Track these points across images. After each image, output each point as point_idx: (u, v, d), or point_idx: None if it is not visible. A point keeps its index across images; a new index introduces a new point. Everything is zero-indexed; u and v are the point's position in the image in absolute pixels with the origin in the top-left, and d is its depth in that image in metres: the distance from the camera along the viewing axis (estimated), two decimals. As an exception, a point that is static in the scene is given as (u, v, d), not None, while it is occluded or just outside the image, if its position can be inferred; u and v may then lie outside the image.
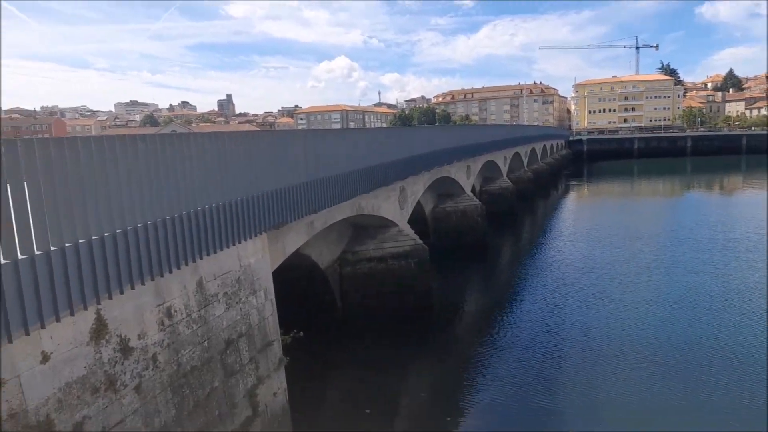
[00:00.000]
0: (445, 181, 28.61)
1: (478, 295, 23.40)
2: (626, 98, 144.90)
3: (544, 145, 74.04)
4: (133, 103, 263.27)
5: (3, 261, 4.81)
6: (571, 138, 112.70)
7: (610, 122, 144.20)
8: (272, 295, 10.16)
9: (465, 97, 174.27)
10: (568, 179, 73.68)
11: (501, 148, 42.85)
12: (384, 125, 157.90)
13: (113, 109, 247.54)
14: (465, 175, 32.18)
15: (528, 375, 14.45)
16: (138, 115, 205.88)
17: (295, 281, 16.31)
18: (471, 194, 32.63)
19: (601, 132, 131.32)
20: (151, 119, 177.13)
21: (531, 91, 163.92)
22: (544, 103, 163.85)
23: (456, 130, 39.00)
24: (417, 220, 24.12)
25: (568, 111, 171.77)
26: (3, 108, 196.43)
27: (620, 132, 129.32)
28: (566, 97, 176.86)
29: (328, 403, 13.14)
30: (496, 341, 16.96)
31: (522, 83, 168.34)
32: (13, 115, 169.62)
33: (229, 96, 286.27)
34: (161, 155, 7.17)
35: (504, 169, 44.97)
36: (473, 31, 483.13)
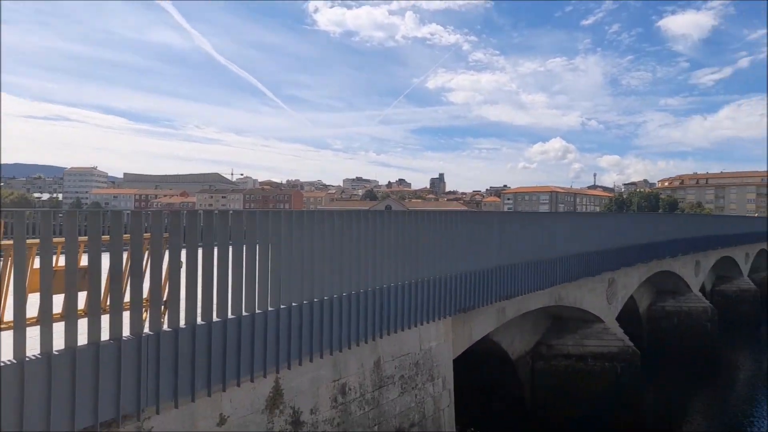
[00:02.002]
0: (667, 275, 25.03)
1: (702, 417, 19.27)
2: None
3: (804, 243, 60.94)
4: (358, 179, 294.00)
5: (199, 322, 5.23)
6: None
7: None
8: (451, 385, 9.55)
9: (697, 183, 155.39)
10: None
11: (742, 243, 36.40)
12: (597, 209, 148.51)
13: (342, 184, 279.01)
14: (692, 271, 27.82)
15: None
16: (361, 190, 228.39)
17: (480, 368, 15.40)
18: (699, 294, 27.95)
19: None
20: (370, 194, 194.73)
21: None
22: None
23: (683, 219, 34.50)
24: (628, 317, 21.30)
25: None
26: (260, 179, 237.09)
27: None
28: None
29: None
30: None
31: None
32: (265, 186, 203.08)
33: (441, 175, 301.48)
34: (354, 232, 7.40)
35: (745, 268, 37.90)
36: (711, 111, 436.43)
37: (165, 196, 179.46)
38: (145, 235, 5.01)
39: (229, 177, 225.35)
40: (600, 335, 17.65)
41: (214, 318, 5.41)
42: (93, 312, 4.33)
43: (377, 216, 8.01)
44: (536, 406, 16.52)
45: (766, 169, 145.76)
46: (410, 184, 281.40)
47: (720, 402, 21.16)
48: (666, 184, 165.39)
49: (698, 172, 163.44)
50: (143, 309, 4.78)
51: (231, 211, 5.91)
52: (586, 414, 16.06)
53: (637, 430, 16.08)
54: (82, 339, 4.30)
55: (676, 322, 26.12)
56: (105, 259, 4.51)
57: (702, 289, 30.47)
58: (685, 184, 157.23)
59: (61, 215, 5.72)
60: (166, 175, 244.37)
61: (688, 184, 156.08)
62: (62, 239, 4.37)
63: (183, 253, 5.25)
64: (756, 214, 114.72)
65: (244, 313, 5.74)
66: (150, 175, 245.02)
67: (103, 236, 4.64)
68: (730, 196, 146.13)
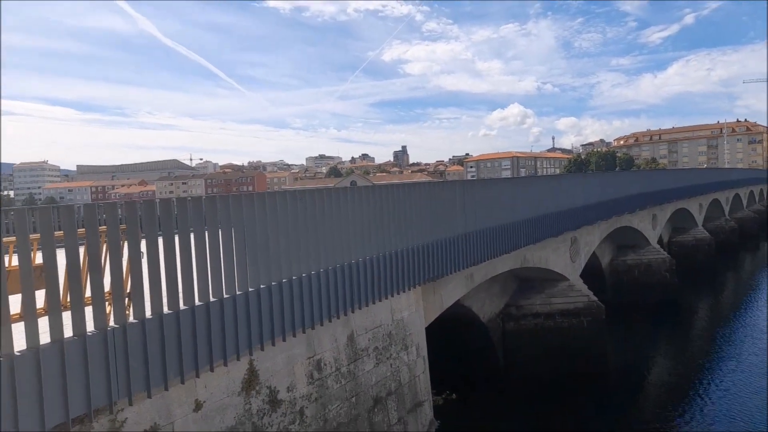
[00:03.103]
0: (626, 231, 25.89)
1: (665, 363, 20.25)
2: None
3: (752, 191, 63.91)
4: (321, 156, 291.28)
5: (166, 311, 5.17)
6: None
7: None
8: (425, 352, 9.76)
9: (651, 139, 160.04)
10: (785, 230, 62.12)
11: (695, 194, 37.85)
12: (557, 171, 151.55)
13: (305, 163, 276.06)
14: (650, 225, 28.85)
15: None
16: (324, 168, 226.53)
17: (453, 333, 15.74)
18: (657, 246, 29.08)
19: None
20: (335, 171, 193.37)
21: (733, 130, 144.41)
22: (750, 142, 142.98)
23: (639, 175, 35.56)
24: (591, 273, 22.03)
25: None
26: (220, 163, 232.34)
27: None
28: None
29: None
30: (682, 422, 14.31)
31: (722, 121, 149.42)
32: (226, 170, 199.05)
33: (404, 147, 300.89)
34: (318, 209, 7.38)
35: (699, 218, 39.50)
36: (661, 68, 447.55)
37: (123, 186, 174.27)
38: (101, 228, 4.88)
39: (188, 163, 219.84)
40: (566, 292, 18.23)
41: (182, 306, 5.36)
42: (53, 309, 4.23)
43: (342, 192, 8.00)
44: (508, 365, 17.06)
45: (715, 122, 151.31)
46: (374, 158, 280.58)
47: (682, 344, 22.27)
48: (621, 142, 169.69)
49: (651, 129, 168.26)
50: (106, 303, 4.69)
51: (189, 198, 5.80)
52: (556, 368, 16.68)
53: (605, 378, 16.82)
54: (45, 338, 4.21)
55: (636, 275, 27.19)
56: (61, 256, 4.39)
57: (660, 241, 31.71)
58: (639, 141, 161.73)
59: (12, 213, 5.48)
60: (122, 165, 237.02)
61: (643, 141, 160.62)
62: (13, 238, 4.22)
63: (143, 243, 5.15)
64: (705, 166, 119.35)
65: (212, 299, 5.70)
66: (105, 166, 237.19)
67: (57, 232, 4.51)
68: (683, 150, 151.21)
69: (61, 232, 4.49)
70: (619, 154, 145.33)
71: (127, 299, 4.90)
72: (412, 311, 9.63)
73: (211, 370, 5.61)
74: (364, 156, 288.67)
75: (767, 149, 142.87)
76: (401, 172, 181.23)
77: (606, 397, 16.11)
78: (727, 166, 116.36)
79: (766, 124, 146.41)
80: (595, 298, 18.22)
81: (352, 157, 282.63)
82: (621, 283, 26.99)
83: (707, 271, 35.35)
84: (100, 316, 4.57)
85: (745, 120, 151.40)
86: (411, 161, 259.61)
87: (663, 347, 21.95)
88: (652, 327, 23.70)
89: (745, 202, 58.56)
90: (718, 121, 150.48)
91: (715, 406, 15.24)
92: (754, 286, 32.40)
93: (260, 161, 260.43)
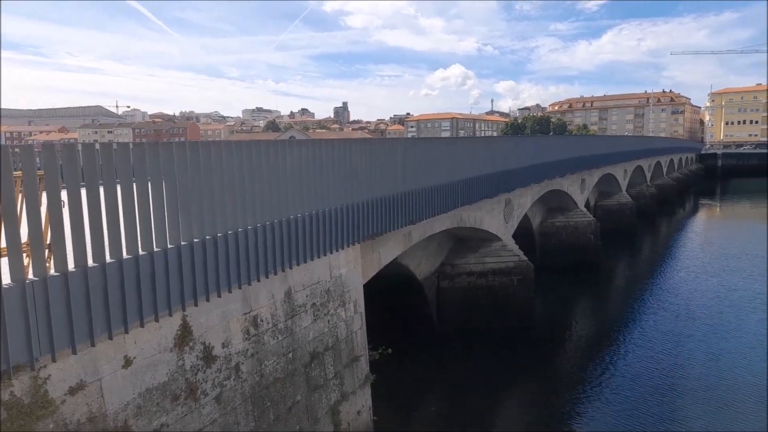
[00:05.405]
0: (557, 194, 26.96)
1: (585, 319, 21.63)
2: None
3: (671, 159, 68.04)
4: (259, 109, 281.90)
5: (90, 264, 4.87)
6: (703, 151, 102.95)
7: (750, 135, 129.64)
8: (362, 309, 9.86)
9: (583, 106, 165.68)
10: (697, 197, 66.95)
11: (621, 161, 39.80)
12: (495, 134, 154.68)
13: (241, 115, 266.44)
14: (578, 189, 30.17)
15: (634, 407, 12.97)
16: (262, 121, 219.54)
17: (390, 291, 16.01)
18: (584, 209, 30.54)
19: (740, 146, 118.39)
20: (273, 125, 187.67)
21: (659, 100, 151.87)
22: (673, 113, 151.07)
23: (571, 141, 36.81)
24: (522, 234, 22.90)
25: (701, 122, 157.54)
26: (149, 112, 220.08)
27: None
28: (699, 107, 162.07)
29: (416, 425, 12.60)
30: (600, 369, 15.45)
31: (649, 91, 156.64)
32: (156, 119, 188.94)
33: (344, 104, 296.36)
34: (256, 162, 7.12)
35: (623, 184, 41.71)
36: (596, 36, 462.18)
37: (41, 132, 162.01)
38: (16, 173, 4.47)
39: (113, 110, 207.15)
40: (498, 252, 18.88)
41: (108, 259, 5.06)
42: (-39, 261, 3.87)
43: (281, 146, 7.74)
44: (442, 321, 17.63)
45: (642, 92, 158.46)
46: (313, 113, 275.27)
47: (601, 302, 23.82)
48: (556, 107, 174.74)
49: (584, 96, 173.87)
50: (23, 254, 4.34)
51: (114, 145, 5.41)
52: (486, 324, 17.42)
53: (531, 333, 17.76)
54: (-48, 291, 3.86)
55: (564, 236, 28.53)
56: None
57: (587, 205, 33.32)
58: (573, 107, 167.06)
59: None
60: (39, 110, 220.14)
61: (576, 108, 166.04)
62: None
63: (64, 193, 4.78)
64: (627, 134, 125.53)
65: (141, 253, 5.42)
66: (20, 110, 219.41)
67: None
68: (612, 118, 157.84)
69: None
70: (553, 119, 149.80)
71: (47, 251, 4.56)
72: (350, 268, 9.64)
73: (141, 325, 5.39)
74: (304, 111, 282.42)
75: (688, 120, 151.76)
76: (341, 129, 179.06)
77: (531, 348, 17.04)
78: (651, 134, 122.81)
79: (688, 96, 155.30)
80: (525, 258, 19.00)
81: (291, 112, 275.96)
82: (549, 244, 28.27)
83: (628, 234, 37.66)
84: (17, 268, 4.24)
85: (670, 91, 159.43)
86: (352, 118, 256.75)
87: (585, 305, 23.38)
88: (575, 285, 25.13)
89: (665, 170, 62.34)
90: (646, 91, 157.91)
91: (627, 357, 16.50)
92: (669, 249, 34.88)
93: (193, 111, 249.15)
